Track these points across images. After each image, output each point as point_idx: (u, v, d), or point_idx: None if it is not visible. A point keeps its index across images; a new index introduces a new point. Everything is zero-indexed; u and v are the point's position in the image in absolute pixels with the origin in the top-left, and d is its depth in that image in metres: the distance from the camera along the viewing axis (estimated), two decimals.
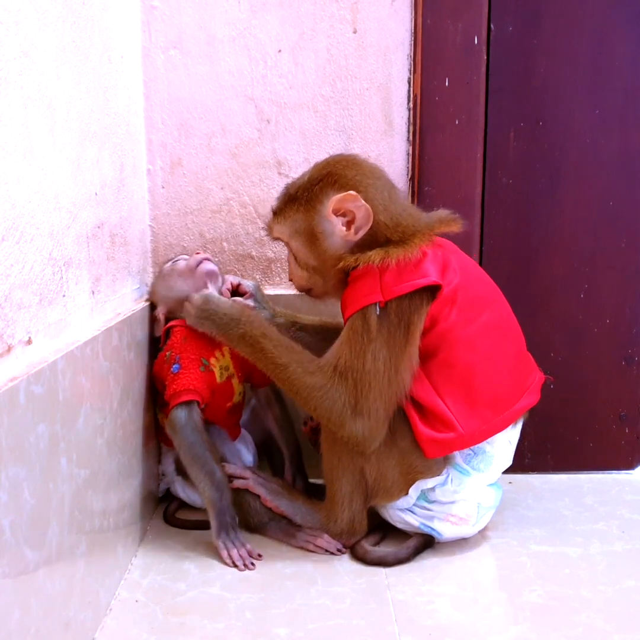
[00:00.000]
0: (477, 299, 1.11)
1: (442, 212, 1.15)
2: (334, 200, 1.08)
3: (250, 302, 1.28)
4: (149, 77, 1.38)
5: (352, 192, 1.06)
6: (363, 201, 1.06)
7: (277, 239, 1.19)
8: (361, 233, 1.08)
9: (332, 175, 1.10)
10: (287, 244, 1.17)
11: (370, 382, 1.06)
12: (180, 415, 1.17)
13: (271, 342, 1.11)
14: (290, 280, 1.22)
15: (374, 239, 1.09)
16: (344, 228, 1.08)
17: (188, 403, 1.18)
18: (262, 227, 1.43)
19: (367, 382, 1.06)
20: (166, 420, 1.19)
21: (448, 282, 1.07)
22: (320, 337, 1.30)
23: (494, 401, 1.10)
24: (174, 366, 1.20)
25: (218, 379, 1.23)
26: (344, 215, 1.08)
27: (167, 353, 1.22)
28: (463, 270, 1.11)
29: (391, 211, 1.09)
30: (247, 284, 1.31)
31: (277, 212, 1.16)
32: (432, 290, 1.07)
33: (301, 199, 1.12)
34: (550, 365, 1.40)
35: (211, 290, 1.21)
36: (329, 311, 1.30)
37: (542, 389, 1.20)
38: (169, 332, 1.26)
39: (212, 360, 1.22)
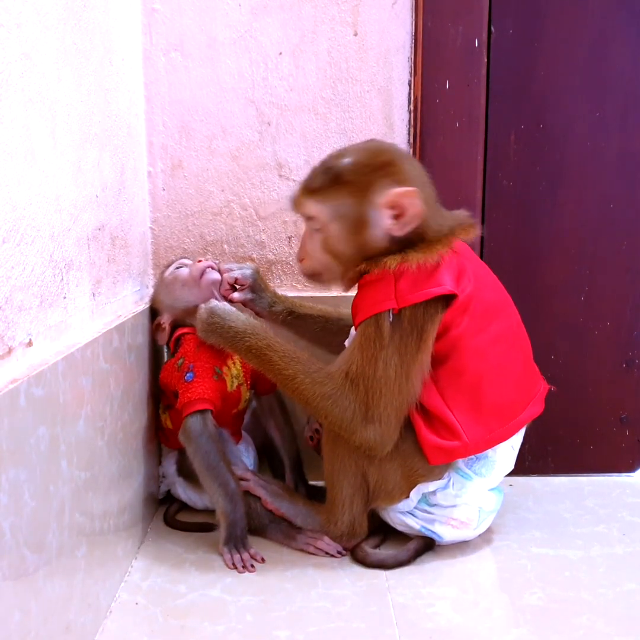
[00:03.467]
0: (489, 307, 1.10)
1: (462, 215, 1.13)
2: (393, 193, 1.04)
3: (246, 295, 1.27)
4: (149, 79, 1.38)
5: (413, 189, 1.03)
6: (420, 201, 1.03)
7: (307, 216, 1.12)
8: (407, 229, 1.05)
9: (392, 165, 1.06)
10: (321, 226, 1.10)
11: (381, 389, 1.05)
12: (195, 424, 1.17)
13: (277, 353, 1.10)
14: (300, 261, 1.16)
15: (407, 237, 1.06)
16: (392, 222, 1.05)
17: (202, 412, 1.18)
18: (263, 230, 1.43)
19: (377, 389, 1.05)
20: (180, 429, 1.18)
21: (462, 289, 1.06)
22: (317, 327, 1.29)
23: (499, 410, 1.10)
24: (187, 374, 1.20)
25: (229, 388, 1.23)
26: (393, 208, 1.05)
27: (179, 360, 1.22)
28: (477, 277, 1.10)
29: (429, 214, 1.07)
30: (245, 274, 1.27)
31: (316, 190, 1.09)
32: (446, 298, 1.05)
33: (353, 183, 1.06)
34: (551, 368, 1.40)
35: (217, 300, 1.21)
36: (331, 303, 1.31)
37: None
38: (178, 339, 1.26)
39: (225, 369, 1.23)
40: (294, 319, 1.29)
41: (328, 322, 1.29)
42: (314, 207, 1.09)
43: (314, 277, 1.17)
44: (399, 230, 1.05)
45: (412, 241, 1.06)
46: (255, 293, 1.28)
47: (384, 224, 1.06)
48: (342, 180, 1.07)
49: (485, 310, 1.09)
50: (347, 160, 1.08)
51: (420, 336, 1.04)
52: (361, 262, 1.09)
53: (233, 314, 1.16)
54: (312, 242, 1.12)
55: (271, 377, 1.13)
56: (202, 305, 1.17)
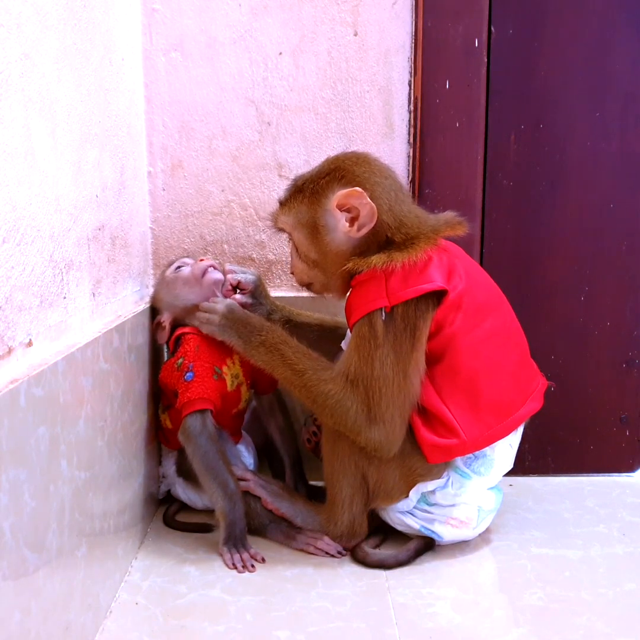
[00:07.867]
0: (482, 304, 1.11)
1: (448, 215, 1.14)
2: (339, 195, 1.07)
3: (247, 299, 1.27)
4: (149, 79, 1.39)
5: (357, 188, 1.06)
6: (368, 199, 1.05)
7: (280, 229, 1.18)
8: (364, 230, 1.07)
9: (340, 170, 1.09)
10: (289, 235, 1.17)
11: (380, 388, 1.05)
12: (194, 423, 1.17)
13: (291, 348, 1.11)
14: (292, 273, 1.21)
15: (376, 239, 1.09)
16: (347, 224, 1.08)
17: (202, 412, 1.18)
18: (263, 229, 1.43)
19: (377, 388, 1.06)
20: (180, 428, 1.19)
21: (453, 287, 1.07)
22: (316, 335, 1.29)
23: (497, 407, 1.10)
24: (187, 374, 1.20)
25: (229, 387, 1.23)
26: (348, 211, 1.07)
27: (179, 360, 1.22)
28: (468, 275, 1.10)
29: (396, 212, 1.09)
30: (247, 279, 1.28)
31: (283, 203, 1.15)
32: (438, 295, 1.06)
33: (306, 191, 1.11)
34: (551, 368, 1.40)
35: (220, 298, 1.22)
36: (329, 310, 1.31)
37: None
38: (178, 339, 1.26)
39: (224, 369, 1.23)
40: (291, 327, 1.29)
41: (325, 331, 1.30)
42: (281, 218, 1.16)
43: (308, 287, 1.21)
44: (357, 232, 1.08)
45: (395, 242, 1.08)
46: (256, 299, 1.29)
47: (341, 227, 1.08)
48: (300, 190, 1.13)
49: (479, 308, 1.10)
50: (308, 172, 1.14)
51: (413, 334, 1.05)
52: (338, 268, 1.10)
53: (248, 311, 1.19)
54: (293, 254, 1.18)
55: (279, 372, 1.12)
56: (219, 300, 1.19)
